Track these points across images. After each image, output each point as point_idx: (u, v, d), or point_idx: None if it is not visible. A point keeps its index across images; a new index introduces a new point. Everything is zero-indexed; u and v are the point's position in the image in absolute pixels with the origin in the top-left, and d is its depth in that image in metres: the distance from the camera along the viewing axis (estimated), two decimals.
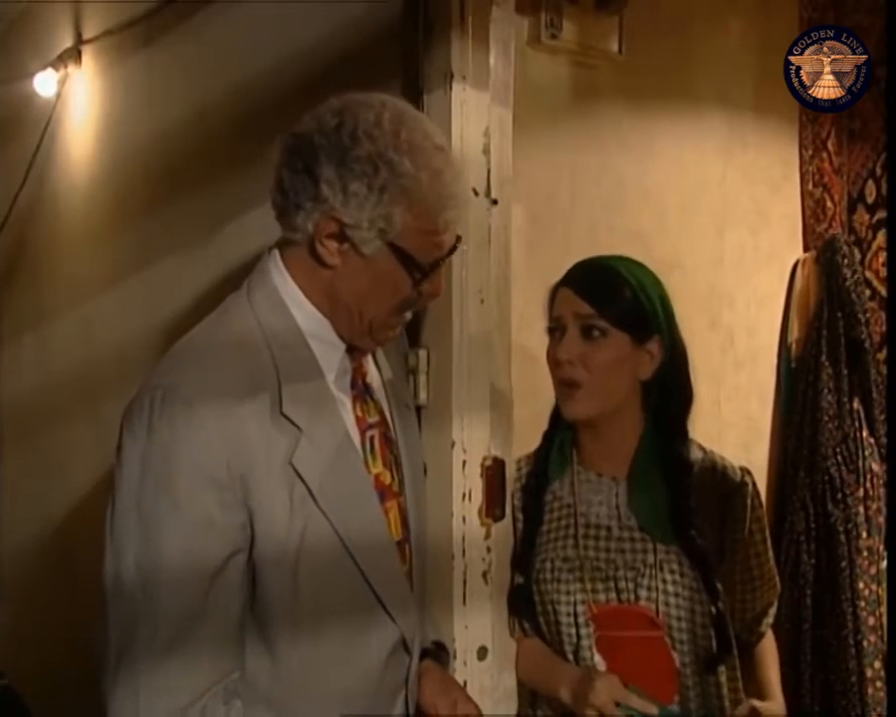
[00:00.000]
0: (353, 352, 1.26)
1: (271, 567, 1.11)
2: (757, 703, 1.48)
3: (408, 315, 1.27)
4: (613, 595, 1.44)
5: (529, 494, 1.55)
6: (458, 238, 1.23)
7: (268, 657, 1.14)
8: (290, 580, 1.12)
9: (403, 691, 1.25)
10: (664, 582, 1.42)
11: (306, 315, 1.20)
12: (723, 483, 1.49)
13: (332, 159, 1.13)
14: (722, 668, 1.44)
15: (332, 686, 1.17)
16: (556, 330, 1.47)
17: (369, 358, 1.32)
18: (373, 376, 1.32)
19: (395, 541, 1.26)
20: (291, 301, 1.20)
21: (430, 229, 1.17)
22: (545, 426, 1.59)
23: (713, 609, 1.42)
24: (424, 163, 1.15)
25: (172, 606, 1.05)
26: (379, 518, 1.23)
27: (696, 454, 1.50)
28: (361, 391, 1.27)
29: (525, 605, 1.51)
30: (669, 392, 1.48)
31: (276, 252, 1.23)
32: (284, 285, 1.20)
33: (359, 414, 1.25)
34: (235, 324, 1.19)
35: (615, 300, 1.43)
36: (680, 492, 1.44)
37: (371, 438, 1.25)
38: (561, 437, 1.54)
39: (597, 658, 1.43)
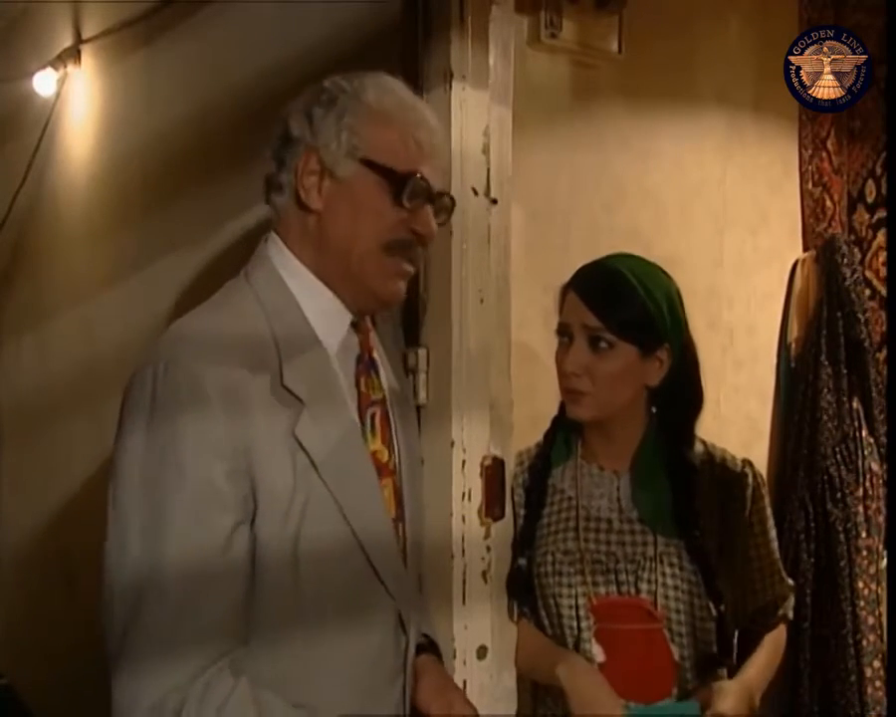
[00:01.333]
0: (359, 325, 1.26)
1: (273, 539, 1.11)
2: (716, 686, 1.43)
3: (408, 266, 1.24)
4: (614, 587, 1.45)
5: (532, 478, 1.55)
6: (447, 195, 1.27)
7: (269, 632, 1.13)
8: (290, 552, 1.12)
9: (402, 676, 1.24)
10: (664, 574, 1.42)
11: (306, 285, 1.21)
12: (722, 475, 1.49)
13: (299, 111, 1.21)
14: None
15: (332, 660, 1.16)
16: (564, 335, 1.47)
17: (375, 338, 1.32)
18: (380, 355, 1.32)
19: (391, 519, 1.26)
20: (290, 274, 1.21)
21: (399, 138, 1.20)
22: (544, 426, 1.59)
23: (714, 611, 1.42)
24: (387, 92, 1.21)
25: (178, 578, 1.05)
26: (378, 492, 1.23)
27: (696, 447, 1.51)
28: (367, 366, 1.27)
29: (524, 589, 1.52)
30: (678, 397, 1.48)
31: (271, 232, 1.25)
32: (281, 258, 1.22)
33: (363, 390, 1.25)
34: (234, 301, 1.20)
35: (623, 312, 1.42)
36: (684, 494, 1.44)
37: (373, 415, 1.25)
38: (568, 429, 1.54)
39: (597, 649, 1.44)
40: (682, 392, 1.48)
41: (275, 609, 1.13)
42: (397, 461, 1.30)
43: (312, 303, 1.21)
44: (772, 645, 1.56)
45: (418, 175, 1.19)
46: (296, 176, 1.19)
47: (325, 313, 1.22)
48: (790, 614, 1.58)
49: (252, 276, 1.22)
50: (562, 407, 1.54)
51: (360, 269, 1.21)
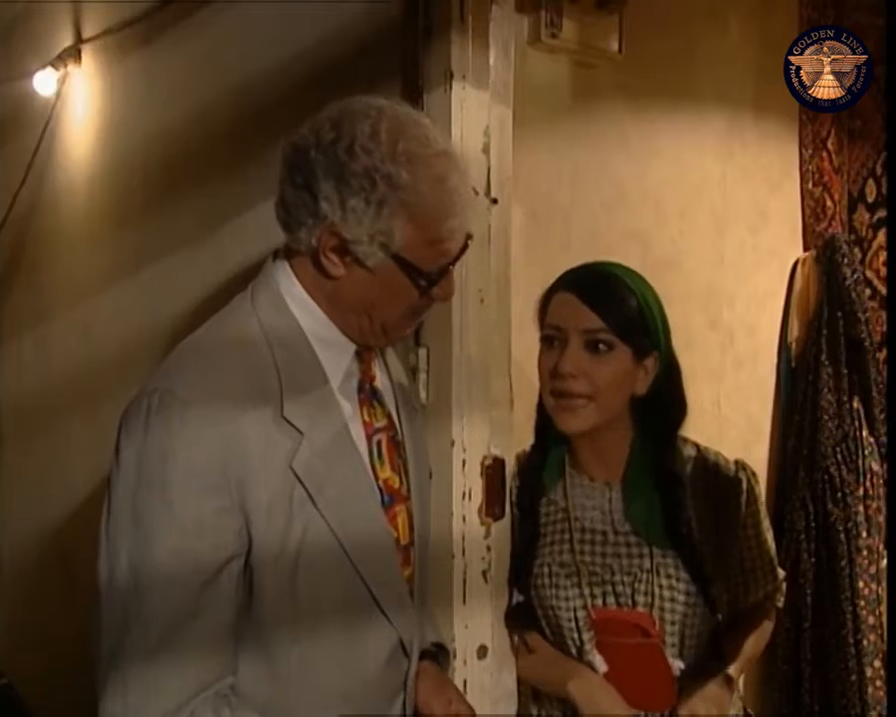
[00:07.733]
0: (362, 354, 1.25)
1: (268, 570, 1.10)
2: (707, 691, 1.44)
3: (422, 317, 1.27)
4: (612, 599, 1.43)
5: (524, 501, 1.54)
6: (468, 236, 1.21)
7: (264, 661, 1.13)
8: (287, 583, 1.11)
9: (402, 694, 1.24)
10: (660, 586, 1.41)
11: (313, 318, 1.20)
12: (716, 481, 1.47)
13: (329, 175, 1.12)
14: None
15: (328, 689, 1.16)
16: (554, 339, 1.43)
17: (378, 359, 1.31)
18: (381, 379, 1.31)
19: (404, 545, 1.25)
20: (296, 304, 1.19)
21: (434, 239, 1.15)
22: None
23: (710, 619, 1.42)
24: (424, 173, 1.12)
25: (163, 609, 1.05)
26: (379, 520, 1.22)
27: (689, 452, 1.49)
28: (369, 395, 1.26)
29: (526, 620, 1.51)
30: (661, 407, 1.45)
31: (283, 260, 1.22)
32: (290, 288, 1.20)
33: (366, 419, 1.24)
34: (237, 326, 1.18)
35: (625, 312, 1.39)
36: (673, 504, 1.42)
37: (378, 443, 1.24)
38: (557, 451, 1.52)
39: (599, 660, 1.43)
40: (667, 401, 1.45)
41: (271, 638, 1.13)
42: (409, 484, 1.29)
43: (317, 333, 1.20)
44: (759, 632, 1.57)
45: (449, 264, 1.18)
46: (318, 243, 1.14)
47: (329, 343, 1.20)
48: (781, 603, 1.60)
49: (257, 298, 1.20)
50: (540, 432, 1.52)
51: (379, 328, 1.21)
